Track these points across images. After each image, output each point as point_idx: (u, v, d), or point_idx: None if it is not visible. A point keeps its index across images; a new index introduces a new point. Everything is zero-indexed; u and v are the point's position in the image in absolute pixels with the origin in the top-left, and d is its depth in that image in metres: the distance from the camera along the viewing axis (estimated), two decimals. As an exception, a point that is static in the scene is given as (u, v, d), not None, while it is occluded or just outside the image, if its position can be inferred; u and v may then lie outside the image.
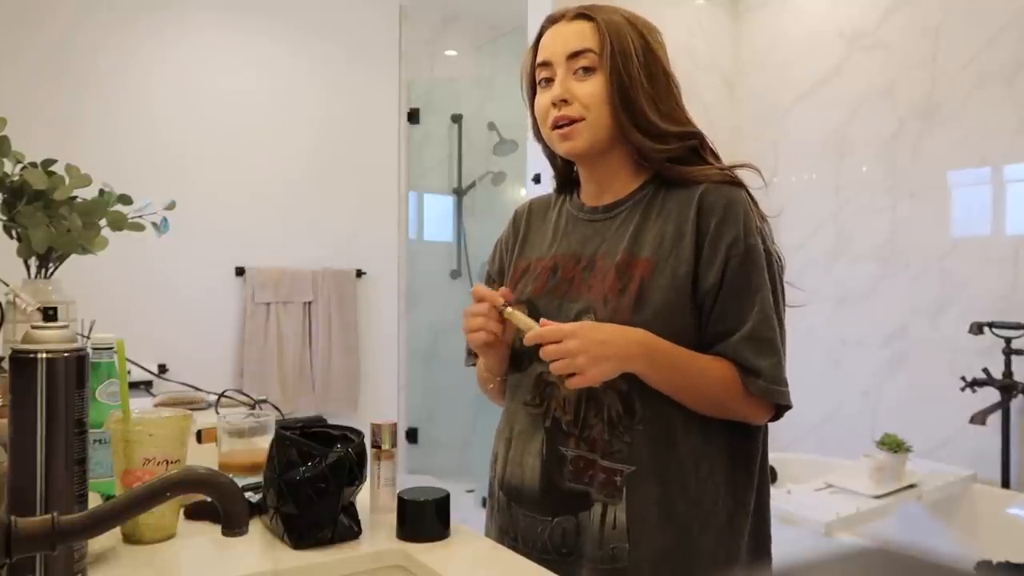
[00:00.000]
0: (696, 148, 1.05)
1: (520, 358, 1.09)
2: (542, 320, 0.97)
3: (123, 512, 0.59)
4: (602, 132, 1.02)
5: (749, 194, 1.02)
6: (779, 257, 1.03)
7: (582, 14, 1.04)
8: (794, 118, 3.11)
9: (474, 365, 1.19)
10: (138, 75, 3.14)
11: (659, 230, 1.01)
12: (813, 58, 3.04)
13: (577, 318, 1.01)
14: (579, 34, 1.02)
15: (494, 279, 1.21)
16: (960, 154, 2.59)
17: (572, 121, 1.02)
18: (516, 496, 1.06)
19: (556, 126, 1.03)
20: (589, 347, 0.91)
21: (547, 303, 1.05)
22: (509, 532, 1.06)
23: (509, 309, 1.00)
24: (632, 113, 1.01)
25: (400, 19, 3.80)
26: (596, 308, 1.00)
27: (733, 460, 1.02)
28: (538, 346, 0.96)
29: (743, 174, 1.05)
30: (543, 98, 1.05)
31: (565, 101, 1.02)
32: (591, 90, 1.01)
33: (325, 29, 3.58)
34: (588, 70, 1.01)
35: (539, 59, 1.06)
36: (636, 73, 1.00)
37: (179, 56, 3.23)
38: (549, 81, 1.04)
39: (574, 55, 1.02)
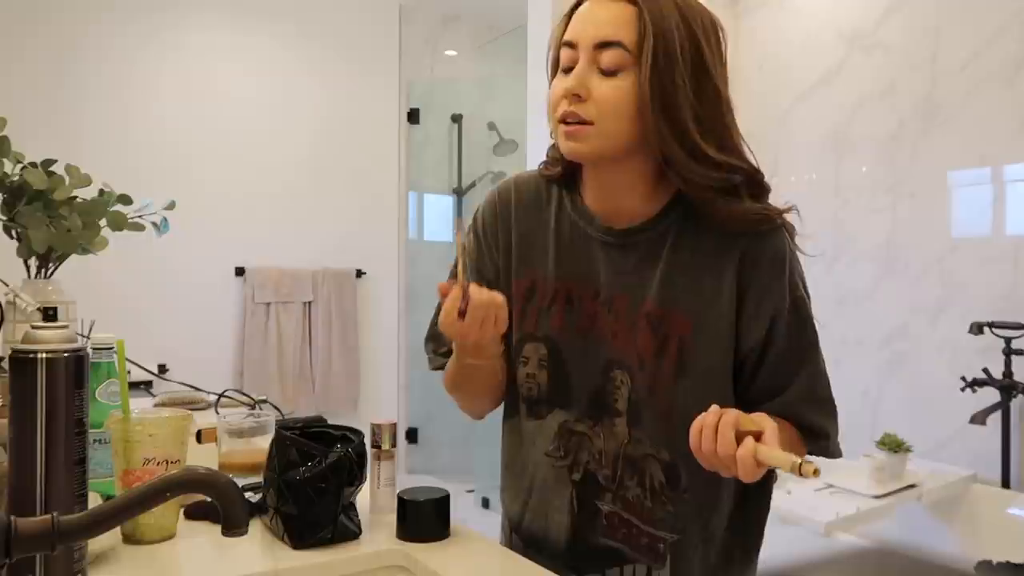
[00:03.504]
0: (746, 182, 0.90)
1: (536, 404, 0.98)
2: None
3: (123, 512, 0.59)
4: (612, 142, 0.86)
5: (789, 234, 0.92)
6: None
7: None
8: (794, 118, 3.10)
9: (442, 368, 1.03)
10: (140, 76, 3.14)
11: (693, 279, 0.90)
12: (813, 58, 3.03)
13: (607, 371, 0.93)
14: (614, 20, 0.84)
15: (487, 279, 1.01)
16: (960, 154, 2.58)
17: (581, 122, 0.86)
18: (536, 546, 0.99)
19: (563, 121, 0.87)
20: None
21: (570, 343, 0.95)
22: None
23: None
24: (674, 124, 0.85)
25: (400, 19, 3.80)
26: (631, 368, 0.91)
27: (747, 511, 0.99)
28: (554, 391, 0.94)
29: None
30: (558, 84, 0.88)
31: (579, 97, 0.85)
32: (610, 93, 0.84)
33: (325, 30, 3.58)
34: (614, 69, 0.84)
35: (566, 36, 0.88)
36: (681, 82, 0.84)
37: (180, 57, 3.23)
38: (569, 68, 0.87)
39: (602, 45, 0.84)
